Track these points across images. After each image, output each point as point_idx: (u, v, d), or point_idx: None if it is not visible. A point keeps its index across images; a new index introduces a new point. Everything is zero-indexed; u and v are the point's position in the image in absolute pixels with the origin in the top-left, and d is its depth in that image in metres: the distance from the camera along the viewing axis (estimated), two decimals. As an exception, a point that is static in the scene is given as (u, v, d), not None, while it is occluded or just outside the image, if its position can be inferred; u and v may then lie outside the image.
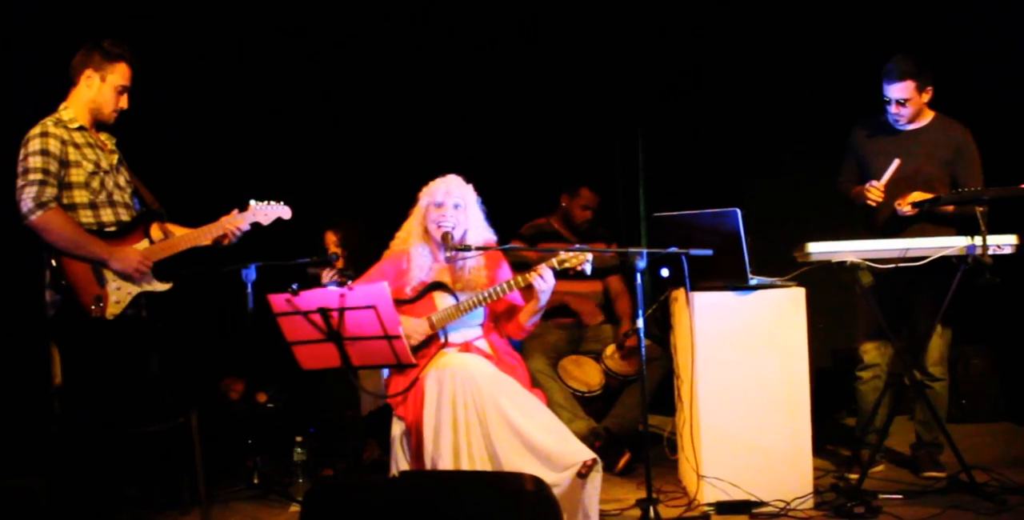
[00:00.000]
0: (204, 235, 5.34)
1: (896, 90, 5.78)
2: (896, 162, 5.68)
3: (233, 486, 6.20)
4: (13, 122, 5.19)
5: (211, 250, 5.46)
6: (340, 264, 6.76)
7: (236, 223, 5.37)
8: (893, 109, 5.83)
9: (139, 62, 5.27)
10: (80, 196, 5.08)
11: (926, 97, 5.81)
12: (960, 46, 6.94)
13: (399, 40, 8.05)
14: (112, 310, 5.07)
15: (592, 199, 6.98)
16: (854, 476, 5.59)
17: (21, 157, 4.99)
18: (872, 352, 6.00)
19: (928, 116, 5.91)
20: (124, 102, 5.26)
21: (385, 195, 5.95)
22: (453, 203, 5.32)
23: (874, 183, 5.73)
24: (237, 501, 6.03)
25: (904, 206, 5.64)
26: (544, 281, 5.05)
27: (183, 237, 5.32)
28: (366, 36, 8.01)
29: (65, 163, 5.03)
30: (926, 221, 5.71)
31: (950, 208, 5.69)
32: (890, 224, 5.74)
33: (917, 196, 5.63)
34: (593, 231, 7.05)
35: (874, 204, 5.74)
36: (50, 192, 4.95)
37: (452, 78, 8.15)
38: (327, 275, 6.57)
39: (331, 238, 6.91)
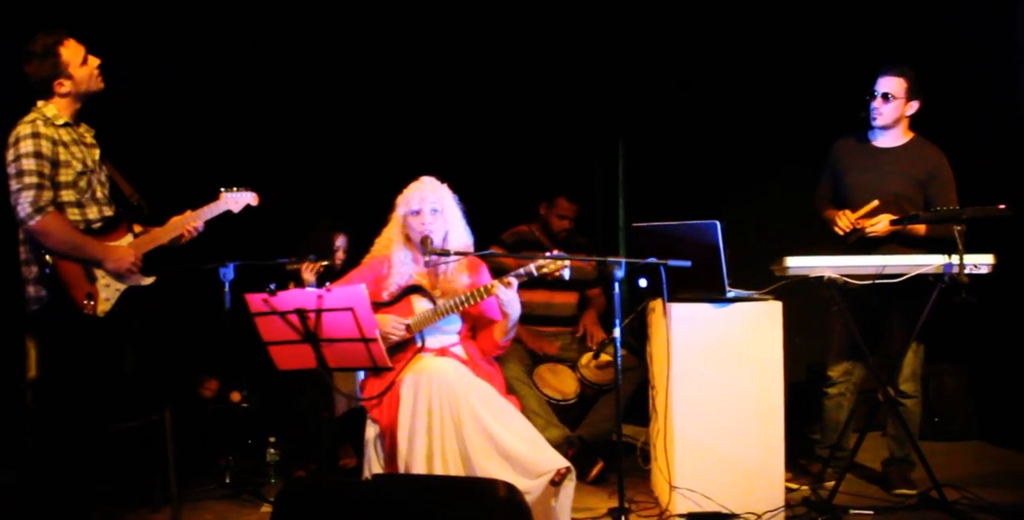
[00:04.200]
0: (183, 224, 5.37)
1: (886, 82, 5.85)
2: (875, 202, 5.73)
3: (205, 485, 6.19)
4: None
5: (189, 248, 5.47)
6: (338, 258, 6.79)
7: (193, 222, 5.40)
8: (875, 103, 5.88)
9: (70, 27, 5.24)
10: (68, 195, 5.09)
11: (910, 109, 5.86)
12: (940, 65, 6.97)
13: (384, 45, 8.06)
14: (102, 307, 5.10)
15: (569, 209, 7.00)
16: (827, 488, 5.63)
17: (12, 158, 4.97)
18: (840, 371, 6.03)
19: (907, 136, 5.95)
20: (94, 61, 5.23)
21: (365, 199, 5.95)
22: (430, 209, 5.31)
23: (847, 213, 5.77)
24: (209, 500, 6.01)
25: (869, 227, 5.67)
26: (503, 293, 5.07)
27: (165, 228, 5.34)
28: (351, 40, 8.02)
29: (56, 164, 5.03)
30: (897, 243, 5.74)
31: (922, 230, 5.72)
32: (861, 244, 5.76)
33: (884, 218, 5.66)
34: (573, 241, 7.05)
35: (841, 233, 5.78)
36: (47, 196, 4.96)
37: (435, 86, 8.15)
38: (308, 271, 6.53)
39: (340, 241, 6.91)
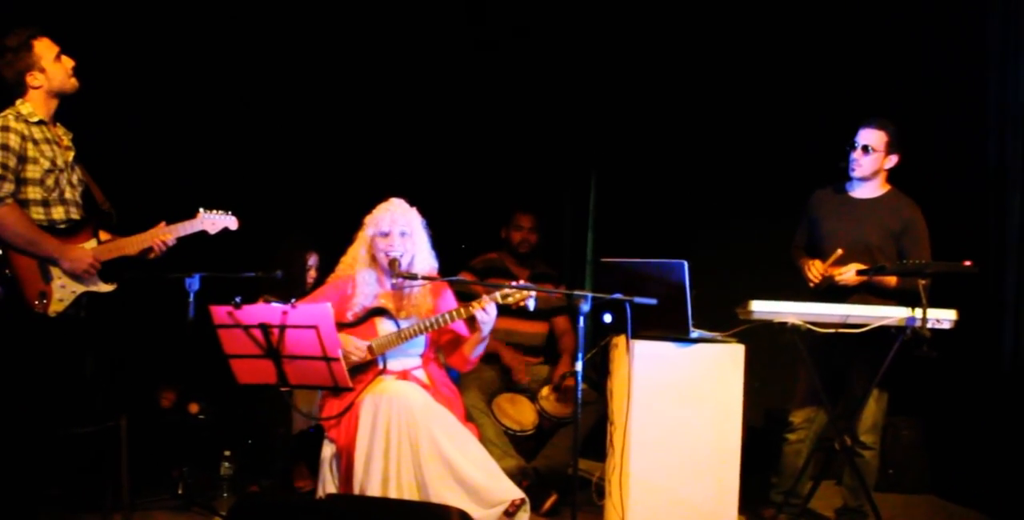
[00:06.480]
0: (150, 239, 5.35)
1: (867, 134, 5.87)
2: (839, 252, 5.74)
3: (157, 495, 6.15)
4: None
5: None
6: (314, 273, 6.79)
7: (165, 236, 5.39)
8: (854, 155, 5.90)
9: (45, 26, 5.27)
10: (34, 193, 5.09)
11: (889, 163, 5.89)
12: (914, 119, 7.02)
13: (364, 67, 8.10)
14: (55, 308, 5.07)
15: (525, 219, 7.02)
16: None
17: None
18: (803, 417, 6.03)
19: (884, 188, 5.98)
20: (68, 61, 5.26)
21: (336, 216, 5.96)
22: (399, 231, 5.34)
23: (817, 263, 5.80)
24: (159, 510, 5.98)
25: (839, 276, 5.69)
26: (487, 313, 5.09)
27: (133, 239, 5.33)
28: (329, 58, 8.04)
29: (23, 159, 5.05)
30: (868, 292, 5.76)
31: (893, 282, 5.74)
32: (833, 292, 5.78)
33: (855, 267, 5.68)
34: (541, 272, 7.06)
35: (811, 285, 5.81)
36: (7, 188, 4.97)
37: (410, 113, 8.18)
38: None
39: (312, 260, 6.91)
